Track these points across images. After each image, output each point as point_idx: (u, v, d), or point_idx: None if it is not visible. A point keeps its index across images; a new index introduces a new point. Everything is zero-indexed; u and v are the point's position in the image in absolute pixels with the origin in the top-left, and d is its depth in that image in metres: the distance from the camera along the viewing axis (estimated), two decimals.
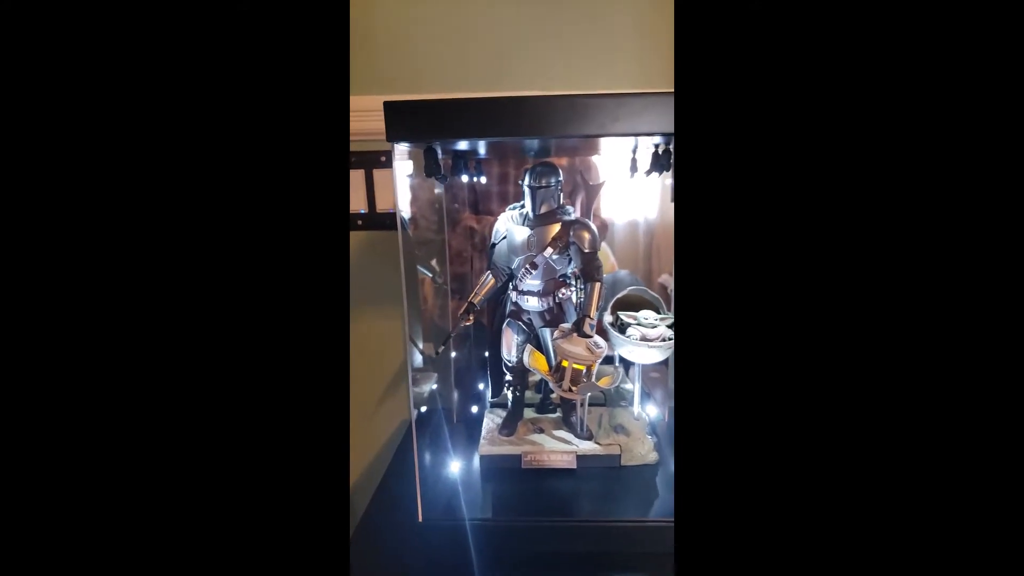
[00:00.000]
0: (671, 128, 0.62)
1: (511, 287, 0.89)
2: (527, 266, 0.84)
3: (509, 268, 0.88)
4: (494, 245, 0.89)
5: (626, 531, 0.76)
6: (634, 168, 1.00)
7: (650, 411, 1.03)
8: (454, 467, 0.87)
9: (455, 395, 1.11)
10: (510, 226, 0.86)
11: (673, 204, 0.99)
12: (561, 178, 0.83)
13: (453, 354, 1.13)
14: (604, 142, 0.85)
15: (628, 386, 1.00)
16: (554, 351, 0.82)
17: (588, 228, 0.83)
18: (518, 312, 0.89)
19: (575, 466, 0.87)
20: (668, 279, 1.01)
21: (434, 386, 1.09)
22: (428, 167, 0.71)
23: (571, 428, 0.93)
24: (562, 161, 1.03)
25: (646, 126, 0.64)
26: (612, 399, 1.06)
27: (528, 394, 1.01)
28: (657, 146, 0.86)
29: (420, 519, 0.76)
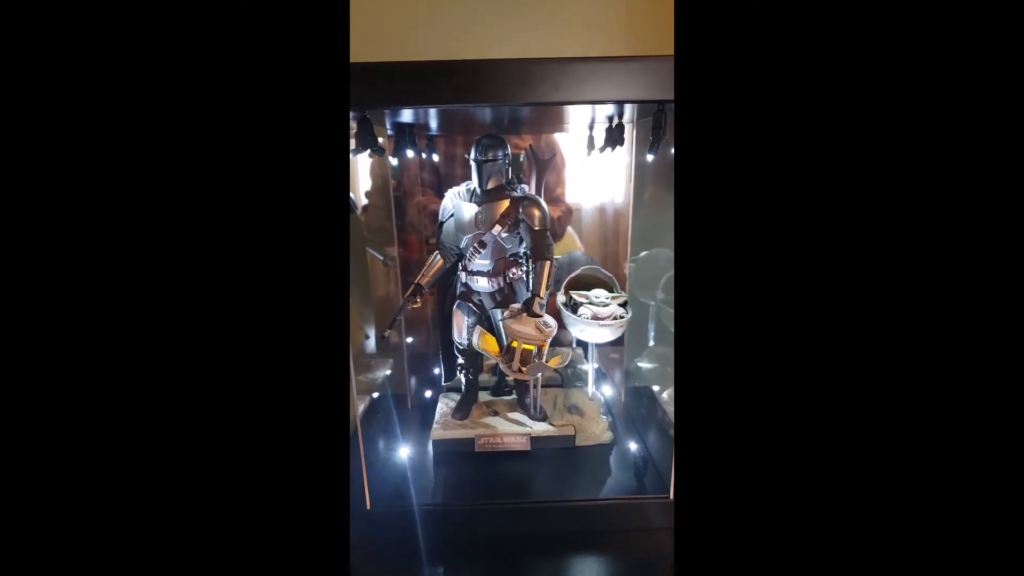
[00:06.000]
0: (630, 95, 0.59)
1: (460, 267, 0.86)
2: (475, 245, 0.81)
3: (457, 247, 0.85)
4: (442, 224, 0.85)
5: (580, 510, 0.75)
6: (591, 146, 0.98)
7: (605, 391, 1.02)
8: (404, 453, 0.84)
9: (411, 380, 1.08)
10: (457, 203, 0.83)
11: (633, 186, 0.98)
12: (509, 151, 0.79)
13: (409, 339, 1.10)
14: (551, 117, 0.82)
15: (585, 367, 0.99)
16: (504, 332, 0.80)
17: (538, 204, 0.80)
18: (468, 293, 0.86)
19: (529, 448, 0.86)
20: (631, 267, 1.00)
21: (388, 372, 1.06)
22: (362, 139, 0.66)
23: (525, 410, 0.92)
24: (525, 140, 1.00)
25: (593, 93, 0.61)
26: (569, 380, 1.05)
27: (484, 377, 0.99)
28: (611, 118, 0.84)
29: (368, 506, 0.74)
